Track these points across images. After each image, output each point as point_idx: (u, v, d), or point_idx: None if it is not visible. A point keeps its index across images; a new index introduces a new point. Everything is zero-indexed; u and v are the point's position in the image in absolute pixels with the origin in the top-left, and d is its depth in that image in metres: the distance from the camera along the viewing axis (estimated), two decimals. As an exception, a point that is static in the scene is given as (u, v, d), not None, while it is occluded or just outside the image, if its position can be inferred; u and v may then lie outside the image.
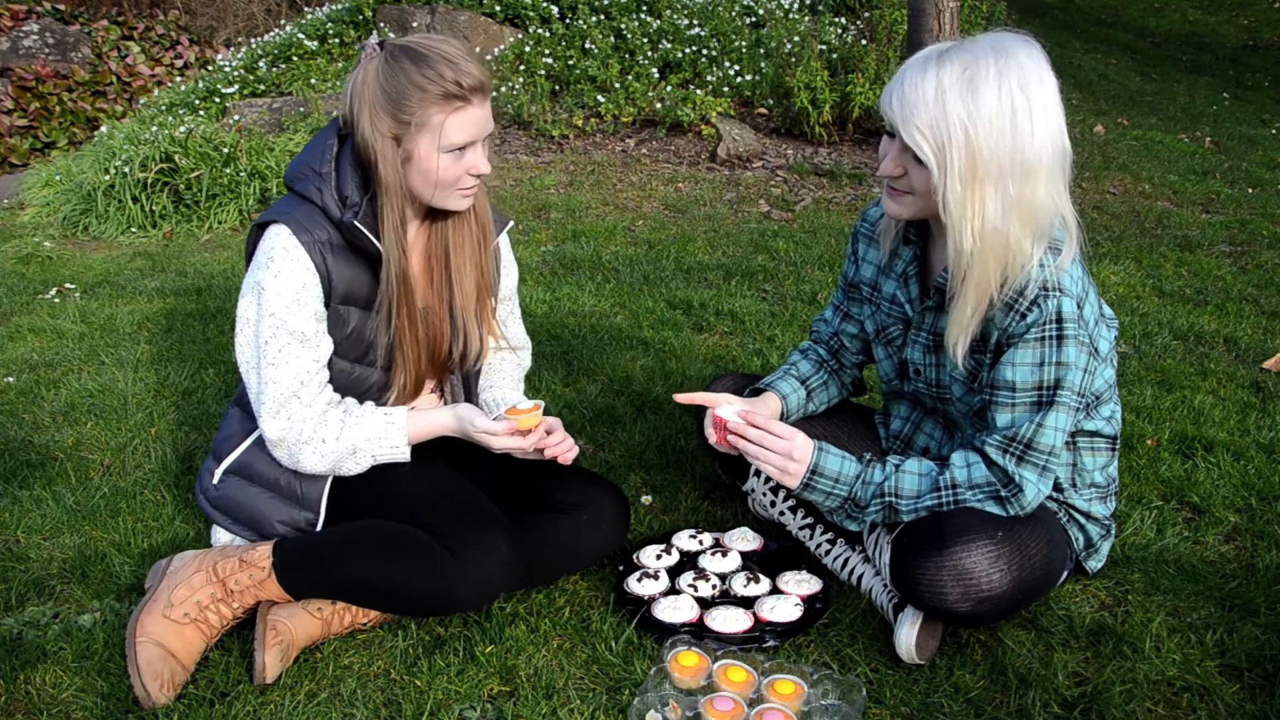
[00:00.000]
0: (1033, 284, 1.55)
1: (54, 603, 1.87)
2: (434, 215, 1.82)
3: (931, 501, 1.64)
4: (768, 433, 1.71)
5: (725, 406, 1.79)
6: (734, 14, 6.64)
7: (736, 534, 2.01)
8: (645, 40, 6.37)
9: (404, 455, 1.79)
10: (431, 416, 1.81)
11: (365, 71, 1.65)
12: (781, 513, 2.00)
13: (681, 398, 1.84)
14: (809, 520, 1.95)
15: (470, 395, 2.00)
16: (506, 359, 2.11)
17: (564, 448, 1.82)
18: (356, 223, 1.69)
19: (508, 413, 1.77)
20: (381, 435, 1.77)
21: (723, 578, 1.88)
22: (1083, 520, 1.77)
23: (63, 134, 7.39)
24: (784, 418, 1.95)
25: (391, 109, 1.63)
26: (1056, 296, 1.54)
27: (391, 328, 1.78)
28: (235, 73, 6.88)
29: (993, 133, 1.47)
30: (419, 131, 1.64)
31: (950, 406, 1.78)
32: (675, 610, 1.76)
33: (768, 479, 2.01)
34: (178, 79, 8.07)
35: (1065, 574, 1.78)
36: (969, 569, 1.53)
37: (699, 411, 2.11)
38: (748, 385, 2.03)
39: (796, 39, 6.08)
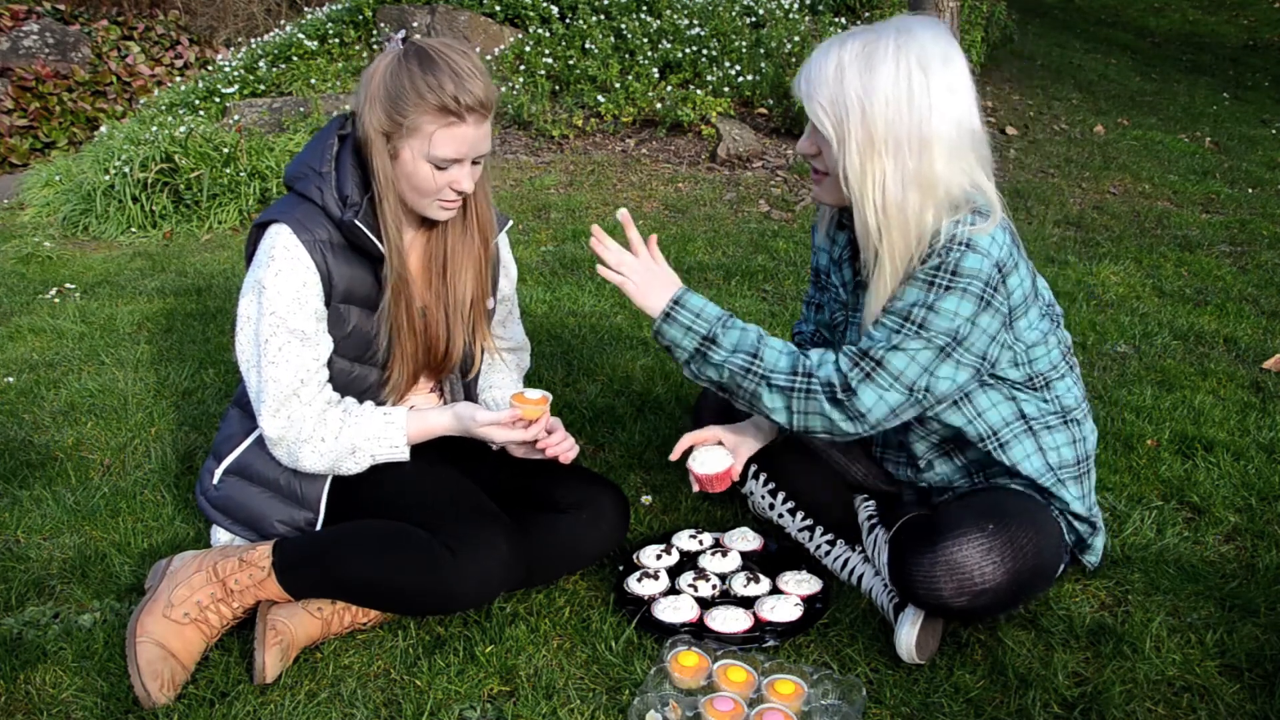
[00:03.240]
0: (944, 236, 1.56)
1: (54, 603, 1.87)
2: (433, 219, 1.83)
3: (784, 382, 1.63)
4: (631, 253, 1.70)
5: (704, 452, 1.84)
6: (734, 14, 6.64)
7: (736, 534, 2.01)
8: (645, 40, 6.37)
9: (403, 455, 1.79)
10: (431, 416, 1.81)
11: (379, 64, 1.67)
12: (780, 515, 2.00)
13: (674, 455, 1.87)
14: (808, 522, 1.95)
15: (470, 396, 2.01)
16: (506, 359, 2.11)
17: (564, 447, 1.82)
18: (357, 222, 1.69)
19: (513, 398, 1.77)
20: (380, 435, 1.77)
21: (723, 578, 1.88)
22: (1062, 506, 1.75)
23: (63, 134, 7.39)
24: (780, 432, 1.96)
25: (388, 106, 1.64)
26: (961, 250, 1.55)
27: (388, 324, 1.78)
28: (235, 73, 6.88)
29: (889, 107, 1.52)
30: (409, 135, 1.65)
31: None
32: (675, 610, 1.76)
33: (766, 481, 2.01)
34: (178, 79, 8.06)
35: (1062, 567, 1.77)
36: (961, 563, 1.54)
37: (694, 416, 2.12)
38: None
39: (796, 39, 6.08)
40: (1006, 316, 1.60)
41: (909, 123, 1.52)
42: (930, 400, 1.62)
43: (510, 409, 1.75)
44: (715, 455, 1.84)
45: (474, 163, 1.72)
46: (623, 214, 1.70)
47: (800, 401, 1.63)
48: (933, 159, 1.53)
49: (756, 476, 2.03)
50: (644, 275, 1.69)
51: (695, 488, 1.87)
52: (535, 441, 1.80)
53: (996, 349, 1.62)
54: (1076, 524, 1.77)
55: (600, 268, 1.70)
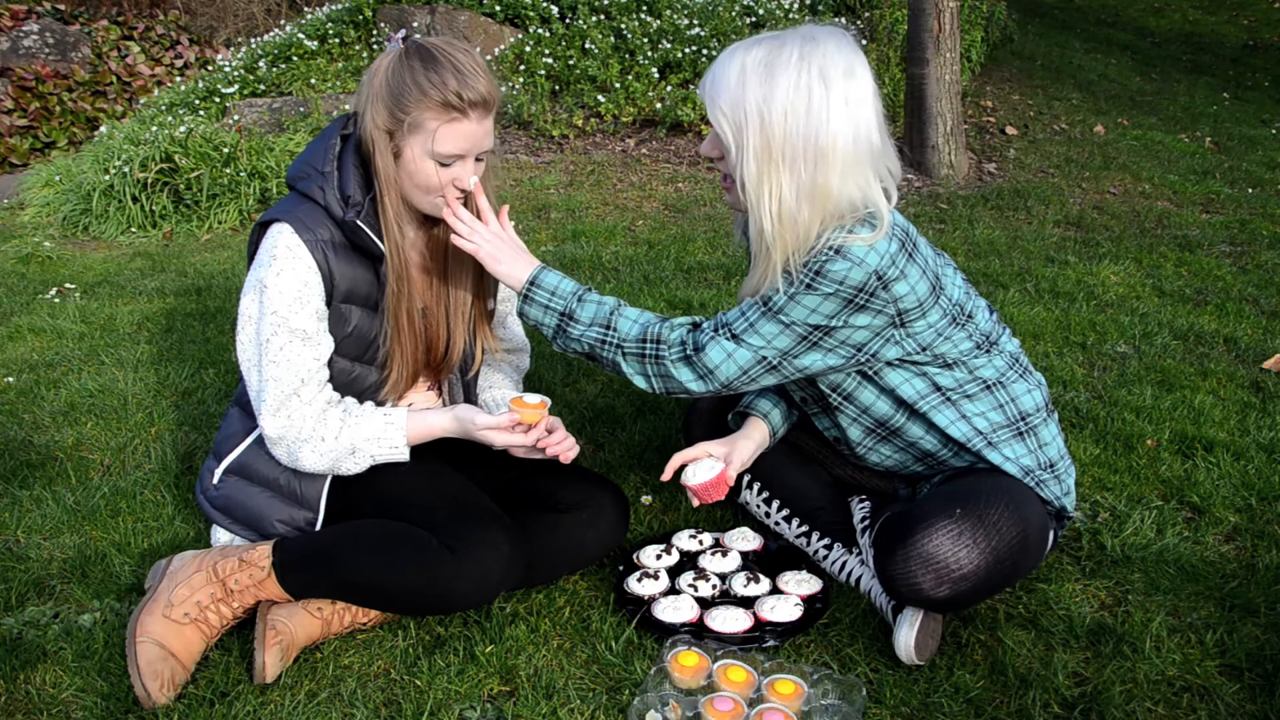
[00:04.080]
0: (823, 244, 1.59)
1: (54, 603, 1.87)
2: (435, 218, 1.83)
3: (634, 349, 1.70)
4: (485, 225, 1.75)
5: (695, 466, 1.86)
6: (734, 14, 6.64)
7: (736, 534, 2.01)
8: (645, 40, 6.37)
9: (403, 455, 1.79)
10: (430, 418, 1.81)
11: (380, 63, 1.68)
12: (777, 523, 2.00)
13: (666, 476, 1.87)
14: (804, 528, 1.95)
15: (469, 396, 2.01)
16: (506, 359, 2.12)
17: (565, 446, 1.82)
18: (359, 222, 1.69)
19: (512, 403, 1.77)
20: (380, 435, 1.77)
21: (723, 578, 1.88)
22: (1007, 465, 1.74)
23: (63, 134, 7.39)
24: (772, 436, 1.97)
25: (390, 104, 1.65)
26: (829, 254, 1.57)
27: (389, 324, 1.78)
28: (235, 73, 6.88)
29: (787, 117, 1.53)
30: (411, 132, 1.65)
31: (805, 391, 1.85)
32: (675, 610, 1.76)
33: (760, 491, 2.02)
34: (178, 79, 8.07)
35: (1052, 536, 1.76)
36: (933, 553, 1.54)
37: (685, 435, 2.12)
38: (726, 410, 2.05)
39: (796, 39, 6.07)
40: (895, 317, 1.63)
41: (805, 134, 1.53)
42: (790, 370, 1.67)
43: (509, 414, 1.75)
44: (706, 465, 1.86)
45: (477, 159, 1.72)
46: (474, 182, 1.74)
47: (652, 366, 1.70)
48: (828, 172, 1.55)
49: (750, 486, 2.03)
50: (494, 244, 1.74)
51: (695, 502, 1.88)
52: (536, 442, 1.80)
53: (879, 343, 1.65)
54: (1033, 475, 1.74)
55: (454, 237, 1.74)
